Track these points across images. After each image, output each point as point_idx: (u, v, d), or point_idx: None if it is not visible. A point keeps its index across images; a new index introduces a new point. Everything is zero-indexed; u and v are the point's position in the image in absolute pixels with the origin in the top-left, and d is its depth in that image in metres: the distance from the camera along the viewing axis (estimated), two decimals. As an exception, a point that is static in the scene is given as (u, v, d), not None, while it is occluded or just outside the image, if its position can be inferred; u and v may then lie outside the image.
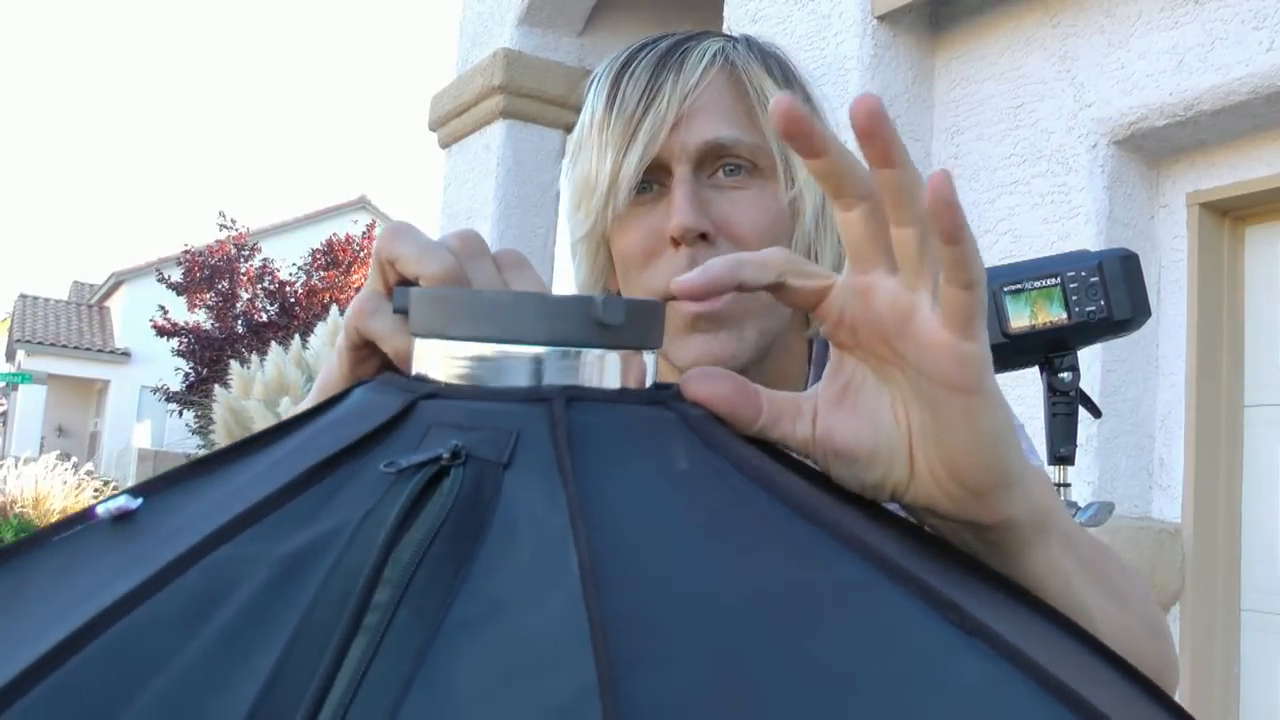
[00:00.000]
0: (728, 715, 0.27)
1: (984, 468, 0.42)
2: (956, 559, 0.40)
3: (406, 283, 0.48)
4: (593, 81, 0.83)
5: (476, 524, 0.31)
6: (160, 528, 0.33)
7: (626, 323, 0.36)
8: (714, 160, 0.78)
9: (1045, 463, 1.33)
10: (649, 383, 0.39)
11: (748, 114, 0.79)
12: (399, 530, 0.30)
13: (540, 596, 0.29)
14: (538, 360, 0.36)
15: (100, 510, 0.34)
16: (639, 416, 0.36)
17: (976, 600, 0.35)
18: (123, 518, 0.34)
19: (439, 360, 0.37)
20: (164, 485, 0.35)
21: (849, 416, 0.43)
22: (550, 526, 0.30)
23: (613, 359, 0.37)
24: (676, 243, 0.75)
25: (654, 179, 0.78)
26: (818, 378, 0.75)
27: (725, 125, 0.78)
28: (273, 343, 10.25)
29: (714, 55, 0.79)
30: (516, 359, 0.36)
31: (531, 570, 0.29)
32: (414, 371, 0.38)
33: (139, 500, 0.35)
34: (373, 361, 0.53)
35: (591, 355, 0.36)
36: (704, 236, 0.75)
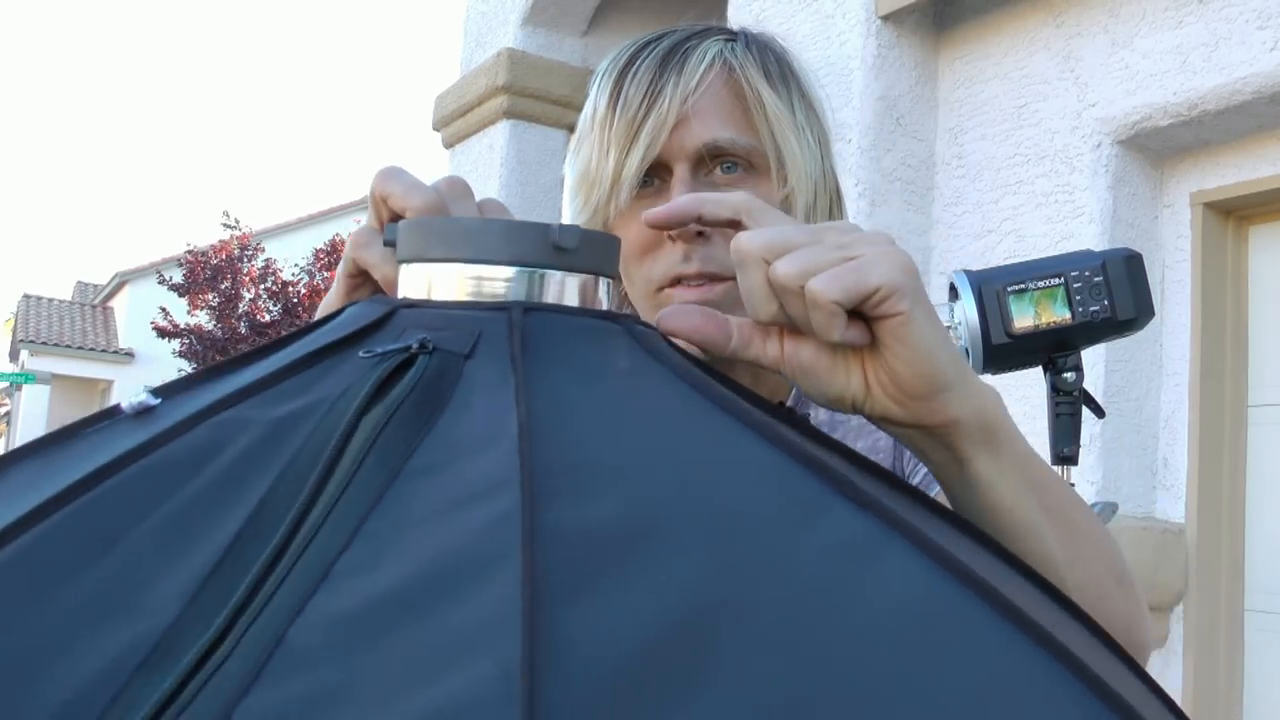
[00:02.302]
0: (632, 542, 0.32)
1: (922, 375, 0.48)
2: (883, 476, 0.43)
3: (397, 220, 0.53)
4: (597, 77, 0.88)
5: (437, 398, 0.36)
6: (176, 416, 0.38)
7: (580, 248, 0.42)
8: (711, 160, 0.82)
9: (1049, 461, 1.33)
10: (605, 306, 0.44)
11: (744, 115, 0.83)
12: (370, 401, 0.36)
13: (483, 449, 0.34)
14: (502, 282, 0.41)
15: (125, 405, 0.39)
16: (587, 326, 0.41)
17: (884, 492, 0.39)
18: (145, 412, 0.39)
19: (420, 281, 0.43)
20: (183, 386, 0.41)
21: (810, 339, 0.49)
22: (498, 400, 0.36)
23: (571, 280, 0.42)
24: (674, 238, 0.80)
25: (654, 175, 0.83)
26: None
27: (722, 127, 0.82)
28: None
29: (713, 58, 0.84)
30: (483, 281, 0.41)
31: (479, 432, 0.35)
32: (400, 295, 0.44)
33: (159, 399, 0.40)
34: (366, 288, 0.60)
35: (553, 277, 0.42)
36: (700, 233, 0.80)
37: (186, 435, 0.36)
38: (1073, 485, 1.32)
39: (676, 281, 0.81)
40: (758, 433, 0.38)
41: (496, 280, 0.41)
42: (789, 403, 0.88)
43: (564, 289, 0.43)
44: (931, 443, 0.52)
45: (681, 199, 0.52)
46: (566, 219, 0.88)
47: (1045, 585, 0.43)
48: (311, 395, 0.37)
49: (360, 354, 0.38)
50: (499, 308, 0.40)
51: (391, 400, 0.36)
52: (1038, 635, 0.34)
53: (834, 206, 0.89)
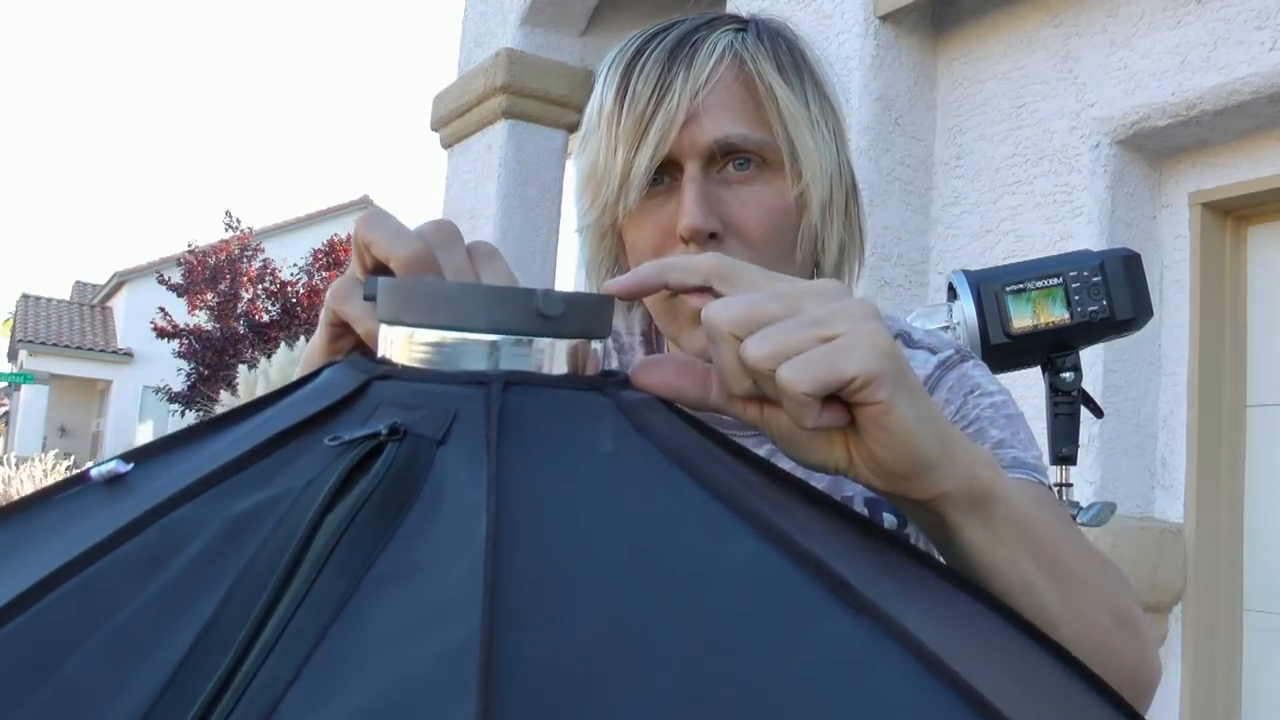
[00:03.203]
0: (604, 667, 0.30)
1: (903, 458, 0.46)
2: (878, 547, 0.43)
3: (382, 268, 0.52)
4: (604, 69, 0.83)
5: (405, 493, 0.34)
6: (143, 489, 0.37)
7: (566, 314, 0.40)
8: (723, 156, 0.79)
9: (1048, 461, 1.33)
10: (597, 369, 0.42)
11: (756, 110, 0.80)
12: (334, 498, 0.34)
13: (449, 559, 0.32)
14: (486, 347, 0.39)
15: (94, 473, 0.38)
16: (572, 400, 0.39)
17: (881, 583, 0.38)
18: (114, 480, 0.38)
19: (399, 344, 0.41)
20: (153, 451, 0.40)
21: None
22: (470, 498, 0.34)
23: (557, 346, 0.40)
24: (686, 241, 0.77)
25: (664, 173, 0.79)
26: None
27: (734, 123, 0.79)
28: (278, 346, 10.26)
29: (723, 50, 0.80)
30: (466, 345, 0.39)
31: (447, 535, 0.33)
32: (380, 354, 0.42)
33: (129, 465, 0.39)
34: (349, 338, 0.56)
35: (540, 343, 0.40)
36: (713, 235, 0.77)
37: (141, 535, 0.34)
38: (1072, 487, 1.33)
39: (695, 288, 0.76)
40: (750, 524, 0.36)
41: (477, 349, 0.40)
42: None
43: (551, 357, 0.41)
44: (918, 510, 0.50)
45: (646, 267, 0.49)
46: (575, 218, 0.88)
47: (1041, 638, 0.43)
48: (273, 487, 0.35)
49: (327, 441, 0.36)
50: (479, 381, 0.38)
51: (356, 496, 0.34)
52: None
53: (849, 201, 0.86)
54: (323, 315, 0.56)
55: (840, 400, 0.44)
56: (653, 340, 0.91)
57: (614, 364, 0.90)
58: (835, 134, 0.84)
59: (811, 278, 0.75)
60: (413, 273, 0.49)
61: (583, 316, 0.41)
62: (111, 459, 0.39)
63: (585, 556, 0.33)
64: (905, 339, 0.91)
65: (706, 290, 0.48)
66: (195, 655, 0.31)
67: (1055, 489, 1.33)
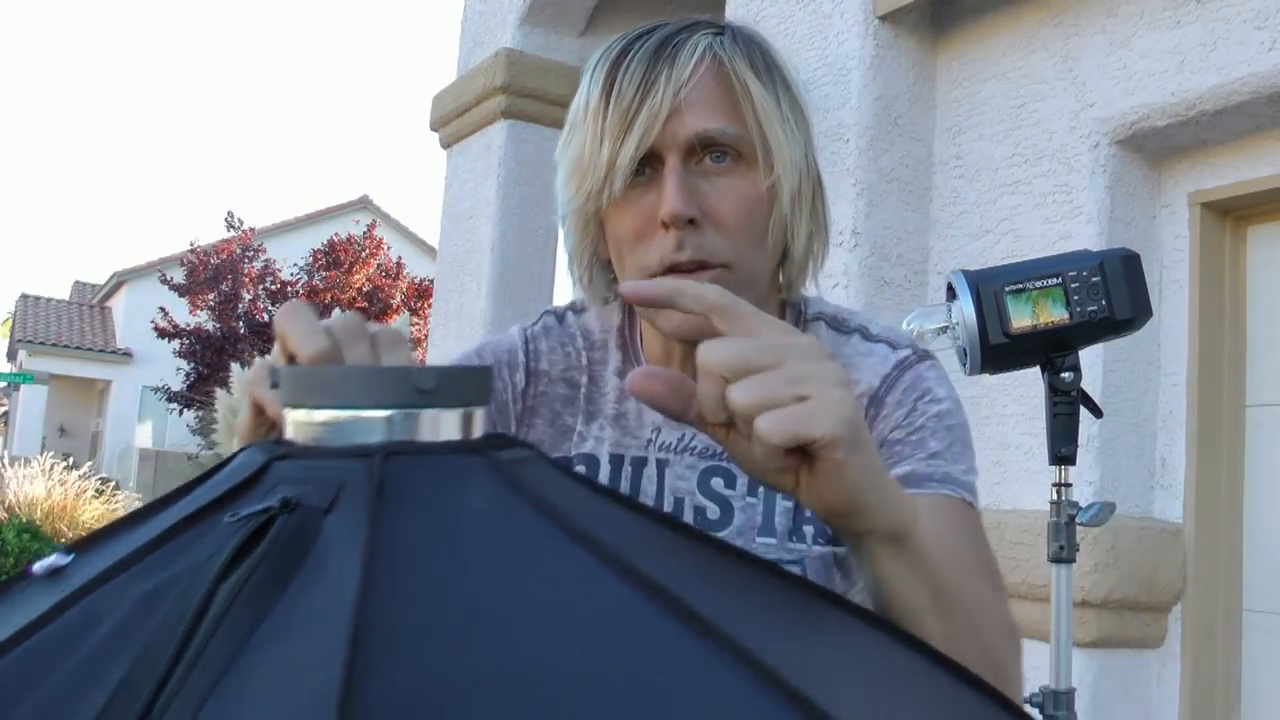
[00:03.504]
0: (457, 706, 0.33)
1: (844, 503, 0.55)
2: (746, 581, 0.47)
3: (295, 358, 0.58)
4: (589, 69, 0.89)
5: (294, 559, 0.38)
6: (76, 575, 0.41)
7: (440, 387, 0.44)
8: (702, 149, 0.85)
9: (1048, 460, 1.33)
10: (478, 433, 0.46)
11: (734, 106, 0.86)
12: (230, 567, 0.38)
13: (324, 615, 0.35)
14: (377, 423, 0.44)
15: (37, 568, 0.42)
16: (448, 464, 0.43)
17: (740, 614, 0.42)
18: (56, 572, 0.42)
19: (299, 426, 0.45)
20: (91, 541, 0.43)
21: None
22: (348, 559, 0.37)
23: (442, 416, 0.45)
24: (668, 226, 0.84)
25: (646, 164, 0.85)
26: None
27: (713, 117, 0.85)
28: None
29: (703, 51, 0.86)
30: (357, 423, 0.44)
31: (325, 594, 0.36)
32: (286, 434, 0.46)
33: (70, 557, 0.42)
34: (268, 419, 0.62)
35: (426, 415, 0.44)
36: (692, 221, 0.84)
37: (63, 616, 0.38)
38: (1071, 487, 1.33)
39: (671, 268, 0.84)
40: (611, 567, 0.40)
41: (369, 425, 0.43)
42: None
43: (435, 426, 0.45)
44: (846, 535, 0.60)
45: (661, 284, 0.58)
46: (560, 208, 0.93)
47: (941, 660, 0.48)
48: (179, 564, 0.39)
49: (226, 518, 0.40)
50: (364, 454, 0.42)
51: (249, 565, 0.38)
52: None
53: (816, 194, 0.92)
54: (245, 399, 0.62)
55: (800, 449, 0.53)
56: (626, 336, 0.97)
57: (583, 361, 0.97)
58: (803, 131, 0.90)
59: (782, 263, 0.92)
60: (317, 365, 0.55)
61: (458, 387, 0.45)
62: (54, 553, 0.42)
63: (445, 606, 0.37)
64: (864, 333, 0.98)
65: (706, 322, 0.56)
66: (105, 716, 0.34)
67: (1054, 489, 1.33)
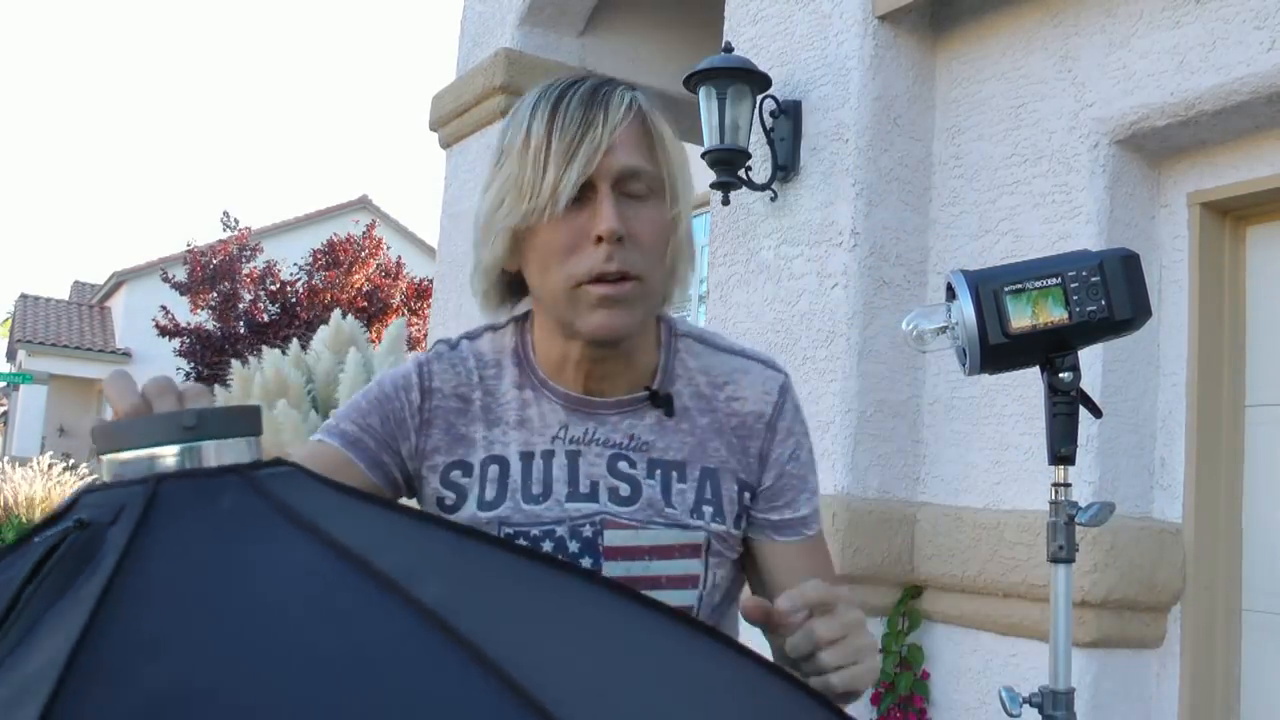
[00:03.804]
0: (189, 684, 0.40)
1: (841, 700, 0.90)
2: (487, 576, 0.56)
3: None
4: (528, 106, 1.04)
5: (82, 565, 0.48)
6: None
7: (201, 424, 0.57)
8: (627, 180, 1.02)
9: (1048, 460, 1.33)
10: (250, 459, 0.58)
11: (650, 149, 1.04)
12: (32, 575, 0.48)
13: (73, 611, 0.46)
14: (162, 458, 0.57)
15: None
16: (208, 483, 0.53)
17: (466, 602, 0.50)
18: None
19: (108, 466, 0.59)
20: None
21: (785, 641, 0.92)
22: (107, 563, 0.48)
23: (220, 448, 0.57)
24: (599, 240, 1.00)
25: (580, 193, 1.01)
26: (667, 361, 1.11)
27: (637, 156, 1.03)
28: (265, 347, 10.24)
29: (630, 101, 1.05)
30: (148, 460, 0.57)
31: (89, 591, 0.46)
32: (103, 477, 0.58)
33: None
34: None
35: (206, 447, 0.57)
36: (620, 239, 1.00)
37: None
38: (1070, 488, 1.33)
39: (597, 279, 1.00)
40: (342, 558, 0.49)
41: (152, 463, 0.57)
42: (654, 385, 1.10)
43: (217, 456, 0.57)
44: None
45: (813, 591, 0.90)
46: (482, 226, 1.06)
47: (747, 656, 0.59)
48: (4, 575, 0.50)
49: (34, 539, 0.51)
50: (144, 481, 0.53)
51: (41, 575, 0.48)
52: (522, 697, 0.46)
53: (689, 228, 1.10)
54: None
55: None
56: (521, 355, 1.12)
57: (474, 379, 1.12)
58: (689, 178, 1.09)
59: (671, 278, 1.08)
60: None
61: (221, 423, 0.58)
62: None
63: (182, 609, 0.46)
64: (734, 350, 1.14)
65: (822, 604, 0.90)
66: None
67: (1054, 489, 1.33)
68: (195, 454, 0.57)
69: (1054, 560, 1.31)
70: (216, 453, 0.57)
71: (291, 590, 0.47)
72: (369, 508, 0.55)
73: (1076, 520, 1.31)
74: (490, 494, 1.07)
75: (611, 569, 1.06)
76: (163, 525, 0.50)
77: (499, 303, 1.12)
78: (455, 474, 1.09)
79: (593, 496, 1.07)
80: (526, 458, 1.08)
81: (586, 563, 1.05)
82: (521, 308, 1.15)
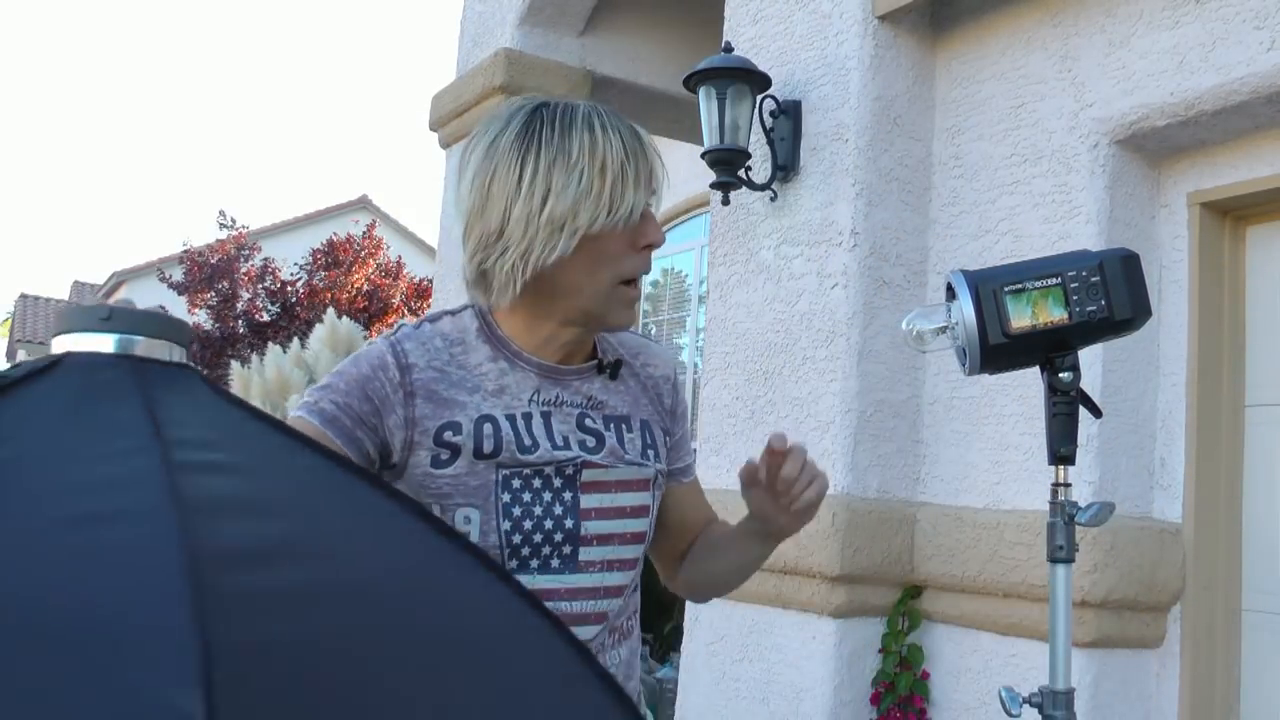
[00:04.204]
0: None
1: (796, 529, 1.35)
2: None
3: None
4: (584, 129, 1.22)
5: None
6: None
7: (113, 319, 0.67)
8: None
9: (1048, 460, 1.33)
10: (140, 353, 0.68)
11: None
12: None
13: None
14: (102, 341, 0.66)
15: None
16: (99, 361, 0.65)
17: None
18: None
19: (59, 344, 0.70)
20: None
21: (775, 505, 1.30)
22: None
23: (142, 344, 0.67)
24: (646, 248, 1.26)
25: None
26: (600, 338, 1.36)
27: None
28: (271, 344, 10.25)
29: (653, 144, 1.30)
30: (87, 340, 0.67)
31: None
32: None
33: None
34: None
35: (136, 341, 0.67)
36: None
37: None
38: (1070, 488, 1.33)
39: (632, 280, 1.27)
40: (146, 416, 0.62)
41: (93, 342, 0.67)
42: (600, 357, 1.34)
43: (138, 350, 0.68)
44: (768, 540, 1.37)
45: (778, 439, 1.24)
46: (558, 226, 1.21)
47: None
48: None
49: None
50: (58, 357, 0.66)
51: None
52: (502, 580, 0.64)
53: None
54: None
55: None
56: (489, 334, 1.30)
57: (444, 356, 1.27)
58: None
59: None
60: None
61: (128, 320, 0.67)
62: None
63: (274, 503, 0.61)
64: (634, 331, 1.42)
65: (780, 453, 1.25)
66: None
67: (1053, 489, 1.33)
68: (128, 346, 0.67)
69: (1054, 560, 1.31)
70: (145, 349, 0.68)
71: (296, 464, 0.64)
72: (234, 411, 0.67)
73: (1076, 520, 1.31)
74: (488, 447, 1.24)
75: (587, 500, 1.28)
76: (41, 383, 0.62)
77: (488, 295, 1.27)
78: (447, 434, 1.24)
79: (567, 446, 1.28)
80: (511, 418, 1.26)
81: (568, 496, 1.27)
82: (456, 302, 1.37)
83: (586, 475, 1.28)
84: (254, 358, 10.17)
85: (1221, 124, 2.79)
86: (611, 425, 1.33)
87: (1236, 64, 2.65)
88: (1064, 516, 1.31)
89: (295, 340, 10.26)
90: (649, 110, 5.68)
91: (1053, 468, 1.32)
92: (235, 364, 10.19)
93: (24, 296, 24.92)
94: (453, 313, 1.33)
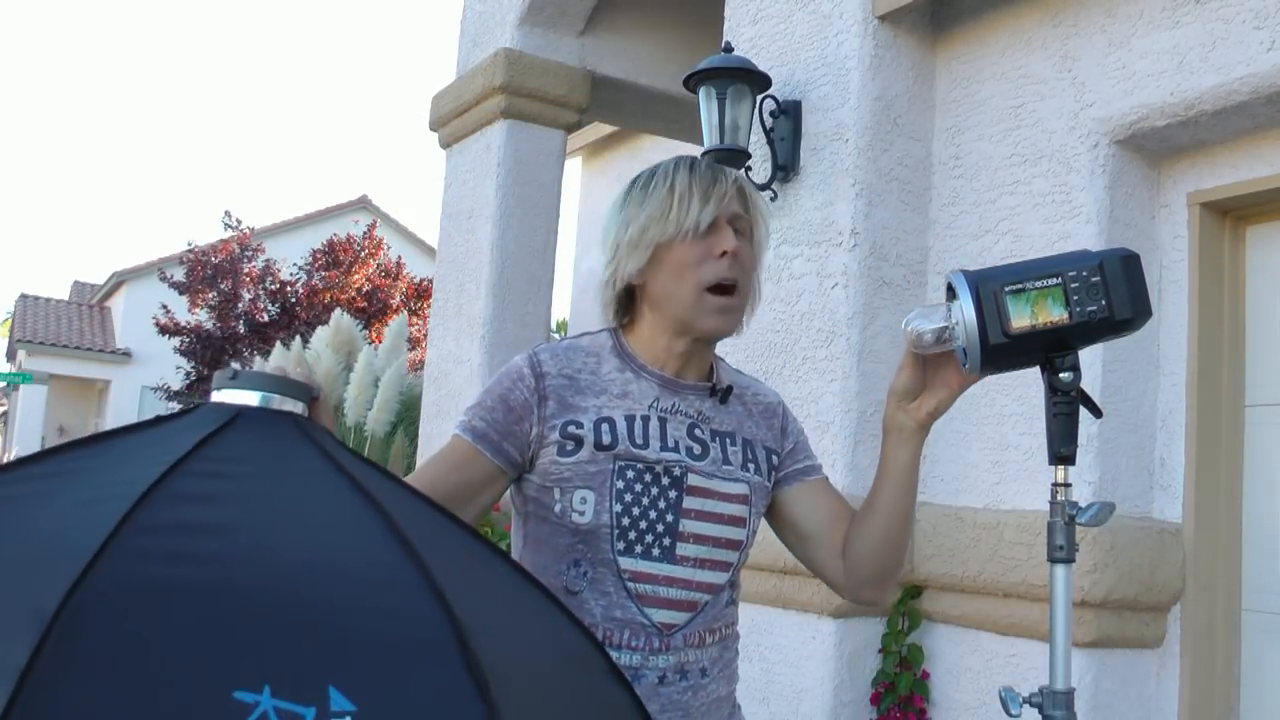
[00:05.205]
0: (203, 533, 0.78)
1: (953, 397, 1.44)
2: (447, 526, 0.92)
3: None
4: (664, 170, 1.49)
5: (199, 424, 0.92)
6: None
7: (242, 380, 0.95)
8: (736, 220, 1.47)
9: (1048, 460, 1.33)
10: (299, 411, 0.97)
11: (747, 206, 1.49)
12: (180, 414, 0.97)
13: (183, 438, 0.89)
14: (252, 396, 0.96)
15: None
16: (268, 415, 0.93)
17: (410, 518, 0.85)
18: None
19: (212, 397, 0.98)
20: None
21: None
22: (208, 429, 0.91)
23: (277, 399, 0.95)
24: (723, 254, 1.44)
25: (708, 225, 1.46)
26: (717, 367, 1.55)
27: (741, 207, 1.48)
28: (278, 343, 10.25)
29: (735, 175, 1.50)
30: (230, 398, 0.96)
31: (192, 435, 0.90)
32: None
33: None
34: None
35: (273, 396, 0.96)
36: (735, 255, 1.45)
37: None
38: (1070, 488, 1.33)
39: (718, 286, 1.44)
40: (348, 480, 0.86)
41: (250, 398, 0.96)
42: (714, 381, 1.52)
43: (273, 403, 0.96)
44: (919, 432, 1.43)
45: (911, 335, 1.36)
46: (634, 244, 1.46)
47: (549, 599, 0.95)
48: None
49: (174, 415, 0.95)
50: (232, 408, 0.93)
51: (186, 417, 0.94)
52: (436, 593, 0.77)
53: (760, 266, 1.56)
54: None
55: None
56: (619, 349, 1.51)
57: (576, 364, 1.48)
58: (768, 228, 1.57)
59: (750, 295, 1.53)
60: None
61: (261, 381, 0.95)
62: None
63: (247, 500, 0.81)
64: (731, 368, 1.61)
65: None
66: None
67: (1053, 489, 1.33)
68: (269, 400, 0.94)
69: (1053, 560, 1.31)
70: (279, 403, 0.95)
71: (305, 481, 0.85)
72: (358, 458, 0.92)
73: (1076, 520, 1.31)
74: (606, 439, 1.42)
75: (689, 502, 1.44)
76: (244, 426, 0.89)
77: (616, 316, 1.52)
78: (571, 428, 1.43)
79: (676, 450, 1.45)
80: (630, 419, 1.45)
81: (673, 495, 1.43)
82: (596, 325, 1.60)
83: (692, 479, 1.44)
84: (255, 358, 10.16)
85: (1221, 124, 2.79)
86: (717, 438, 1.49)
87: (1236, 64, 2.65)
88: (1064, 516, 1.31)
89: (297, 339, 10.26)
90: (649, 110, 5.68)
91: (1053, 468, 1.32)
92: (235, 365, 10.16)
93: (24, 296, 24.92)
94: (593, 333, 1.55)
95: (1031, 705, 1.29)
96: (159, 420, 0.90)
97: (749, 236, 1.49)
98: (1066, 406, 1.30)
